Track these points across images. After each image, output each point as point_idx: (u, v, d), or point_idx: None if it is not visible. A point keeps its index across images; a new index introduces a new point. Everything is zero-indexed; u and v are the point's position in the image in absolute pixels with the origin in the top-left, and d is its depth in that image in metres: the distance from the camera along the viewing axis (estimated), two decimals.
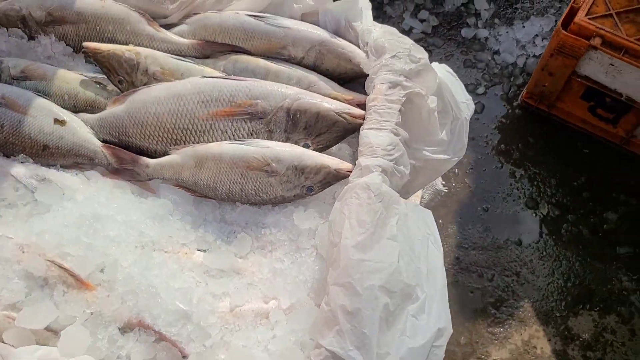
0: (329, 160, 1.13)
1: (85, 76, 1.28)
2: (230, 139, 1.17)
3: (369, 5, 1.26)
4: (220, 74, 1.23)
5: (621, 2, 1.99)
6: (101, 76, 1.28)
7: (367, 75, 1.20)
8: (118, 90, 1.27)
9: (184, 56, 1.28)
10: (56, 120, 1.22)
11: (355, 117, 1.15)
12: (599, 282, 2.09)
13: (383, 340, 0.95)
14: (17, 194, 1.16)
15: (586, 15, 1.97)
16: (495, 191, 2.27)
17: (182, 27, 1.31)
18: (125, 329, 1.04)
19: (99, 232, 1.11)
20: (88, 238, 1.10)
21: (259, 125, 1.16)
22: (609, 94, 2.09)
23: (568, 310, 2.05)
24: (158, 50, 1.27)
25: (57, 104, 1.25)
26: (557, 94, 2.23)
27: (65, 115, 1.23)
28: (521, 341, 2.01)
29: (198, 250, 1.15)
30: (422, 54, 1.20)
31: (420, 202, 1.61)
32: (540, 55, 2.46)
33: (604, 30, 1.93)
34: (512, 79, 2.50)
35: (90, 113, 1.26)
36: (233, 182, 1.14)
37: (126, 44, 1.27)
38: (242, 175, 1.13)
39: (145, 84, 1.22)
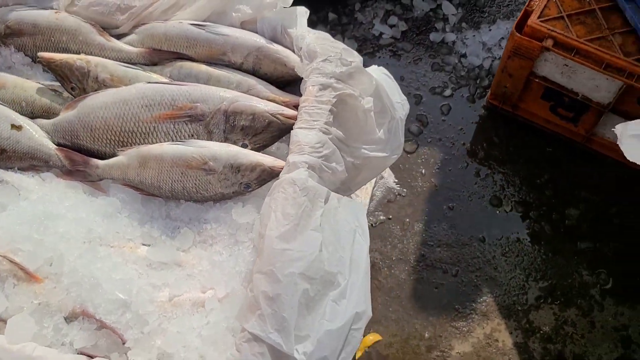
0: (264, 159, 1.21)
1: (42, 84, 1.37)
2: (172, 140, 1.25)
3: (305, 13, 1.34)
4: (165, 80, 1.31)
5: (572, 4, 2.06)
6: (56, 84, 1.37)
7: (302, 78, 1.28)
8: (72, 97, 1.35)
9: (134, 64, 1.36)
10: (13, 126, 1.31)
11: (288, 118, 1.23)
12: (560, 276, 2.15)
13: (303, 324, 1.02)
14: None
15: (539, 17, 2.04)
16: (460, 190, 2.34)
17: (132, 37, 1.40)
18: (70, 318, 1.12)
19: (49, 229, 1.19)
20: (39, 234, 1.18)
21: (199, 126, 1.24)
22: (567, 94, 2.16)
23: (529, 304, 2.11)
24: (109, 58, 1.36)
25: (16, 111, 1.34)
26: (518, 94, 2.30)
27: (22, 120, 1.32)
28: (483, 334, 2.07)
29: (143, 245, 1.23)
30: (353, 57, 1.28)
31: (371, 199, 1.68)
32: None
33: (555, 32, 2.00)
34: (478, 81, 2.57)
35: (47, 119, 1.35)
36: (175, 181, 1.22)
37: (79, 53, 1.36)
38: (182, 174, 1.21)
39: (96, 91, 1.31)
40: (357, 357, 2.01)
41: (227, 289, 1.14)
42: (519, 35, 2.05)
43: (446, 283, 2.17)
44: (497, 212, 2.28)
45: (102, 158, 1.30)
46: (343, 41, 2.67)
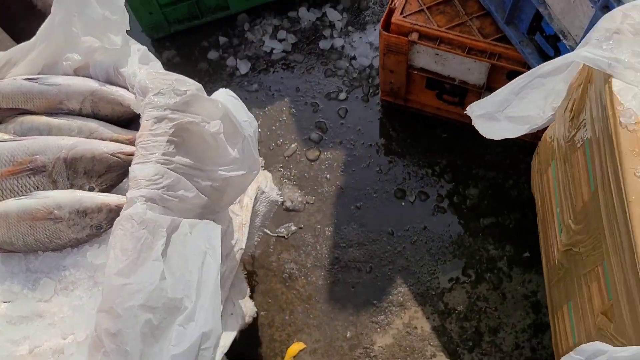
0: (109, 199, 1.24)
1: None
2: (20, 195, 1.27)
3: (137, 49, 1.38)
4: (8, 137, 1.33)
5: None
6: None
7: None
8: None
9: None
10: None
11: (128, 155, 1.26)
12: (468, 255, 2.23)
13: (150, 352, 1.05)
14: None
15: (401, 14, 2.12)
16: (365, 188, 2.40)
17: None
18: None
19: None
20: None
21: (43, 178, 1.26)
22: (445, 81, 2.24)
23: (442, 287, 2.18)
24: None
25: None
26: (404, 88, 2.38)
27: None
28: (402, 324, 2.12)
29: (4, 302, 1.24)
30: (187, 86, 1.32)
31: (256, 214, 1.72)
32: None
33: (418, 25, 2.09)
34: (370, 80, 2.64)
35: None
36: (25, 234, 1.24)
37: None
38: (30, 227, 1.23)
39: None
40: None
41: (87, 331, 1.17)
42: (386, 33, 2.13)
43: (361, 281, 2.22)
44: (402, 203, 2.35)
45: None
46: (236, 62, 2.73)
